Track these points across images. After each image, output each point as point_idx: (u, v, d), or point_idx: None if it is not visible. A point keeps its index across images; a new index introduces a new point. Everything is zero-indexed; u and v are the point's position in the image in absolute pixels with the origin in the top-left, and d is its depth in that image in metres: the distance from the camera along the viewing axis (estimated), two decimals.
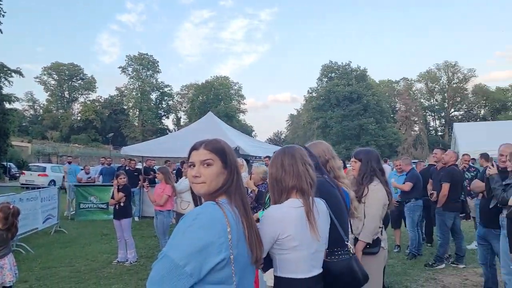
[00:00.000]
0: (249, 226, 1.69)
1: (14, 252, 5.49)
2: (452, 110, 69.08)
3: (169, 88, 70.15)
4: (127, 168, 12.34)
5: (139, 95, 66.66)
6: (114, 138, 54.82)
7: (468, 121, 54.08)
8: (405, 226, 8.07)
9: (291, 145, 2.36)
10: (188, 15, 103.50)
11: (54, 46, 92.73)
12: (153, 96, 69.63)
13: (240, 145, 11.10)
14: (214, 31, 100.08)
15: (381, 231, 3.68)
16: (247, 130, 58.75)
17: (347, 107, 56.72)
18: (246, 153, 11.29)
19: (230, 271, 1.56)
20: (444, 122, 68.70)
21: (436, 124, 72.26)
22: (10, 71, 29.79)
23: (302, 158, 2.17)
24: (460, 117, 67.28)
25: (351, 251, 2.37)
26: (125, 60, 67.81)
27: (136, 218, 11.98)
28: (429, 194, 7.45)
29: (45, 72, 67.77)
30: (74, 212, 12.50)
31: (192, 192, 1.80)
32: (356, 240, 3.53)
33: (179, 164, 12.66)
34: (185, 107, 72.18)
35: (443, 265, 6.85)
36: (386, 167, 10.16)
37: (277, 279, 2.08)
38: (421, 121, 65.14)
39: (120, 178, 7.22)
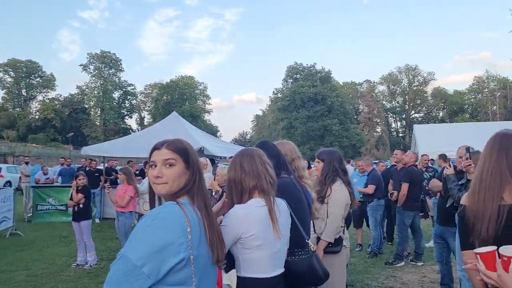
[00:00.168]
0: (210, 226, 1.68)
1: None
2: (413, 112, 71.31)
3: (132, 87, 68.86)
4: (87, 168, 12.06)
5: (101, 94, 65.04)
6: (74, 137, 53.28)
7: (427, 123, 55.98)
8: (367, 225, 8.25)
9: (248, 147, 2.39)
10: (153, 13, 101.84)
11: (10, 42, 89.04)
12: (116, 95, 68.10)
13: (205, 146, 11.03)
14: (179, 30, 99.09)
15: (343, 230, 3.75)
16: (212, 131, 58.47)
17: (311, 108, 57.47)
18: (211, 153, 11.23)
19: (189, 272, 1.54)
20: (405, 124, 70.78)
21: (397, 126, 74.39)
22: None
23: (260, 158, 2.20)
24: (420, 119, 69.55)
25: (312, 249, 2.40)
26: (87, 57, 66.00)
27: (97, 220, 11.73)
28: (389, 194, 7.65)
29: (1, 69, 64.94)
30: (31, 214, 12.05)
31: (150, 193, 1.76)
32: (318, 239, 3.56)
33: (142, 164, 12.48)
34: (149, 107, 71.02)
35: (403, 263, 7.05)
36: (349, 168, 10.34)
37: (240, 279, 2.09)
38: (383, 123, 66.87)
39: (79, 179, 7.02)
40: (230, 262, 2.10)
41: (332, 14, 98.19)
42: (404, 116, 71.48)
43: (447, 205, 4.60)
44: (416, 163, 7.83)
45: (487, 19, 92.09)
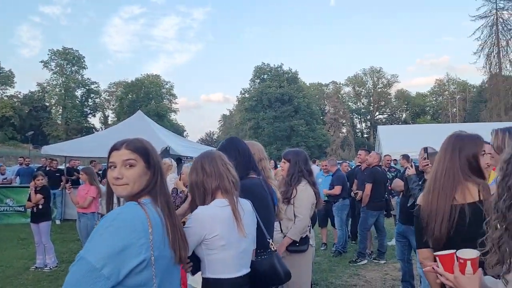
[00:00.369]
0: (172, 227, 1.66)
1: None
2: (377, 113, 72.95)
3: (96, 85, 67.02)
4: (48, 168, 11.72)
5: (63, 91, 63.01)
6: (34, 136, 51.48)
7: (391, 124, 57.44)
8: (332, 224, 8.37)
9: (209, 150, 2.41)
10: (117, 10, 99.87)
11: None
12: (79, 93, 66.11)
13: (171, 145, 10.92)
14: (144, 28, 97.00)
15: (309, 229, 3.79)
16: (178, 130, 57.82)
17: (278, 109, 57.80)
18: (177, 153, 11.12)
19: (150, 273, 1.52)
20: (369, 125, 72.27)
21: (362, 127, 75.89)
22: None
23: (221, 160, 2.21)
24: (384, 120, 71.24)
25: (273, 248, 2.42)
26: (48, 54, 63.60)
27: (58, 221, 11.43)
28: (354, 194, 7.79)
29: None
30: None
31: (108, 195, 1.71)
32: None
33: (105, 164, 12.15)
34: (113, 105, 69.40)
35: (366, 261, 7.19)
36: (315, 168, 10.48)
37: (205, 280, 2.09)
38: (349, 124, 68.13)
39: (38, 180, 6.81)
40: (196, 264, 2.11)
41: (299, 15, 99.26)
42: (368, 117, 73.04)
43: (408, 205, 4.72)
44: (380, 163, 8.01)
45: (447, 24, 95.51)
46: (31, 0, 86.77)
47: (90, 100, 67.92)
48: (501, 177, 1.44)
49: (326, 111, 69.72)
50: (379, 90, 71.37)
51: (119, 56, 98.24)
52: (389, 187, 8.11)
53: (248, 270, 2.16)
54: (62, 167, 12.89)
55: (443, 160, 2.14)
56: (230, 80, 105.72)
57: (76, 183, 10.43)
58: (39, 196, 6.74)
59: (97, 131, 57.91)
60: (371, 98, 71.85)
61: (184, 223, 2.10)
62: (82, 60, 64.84)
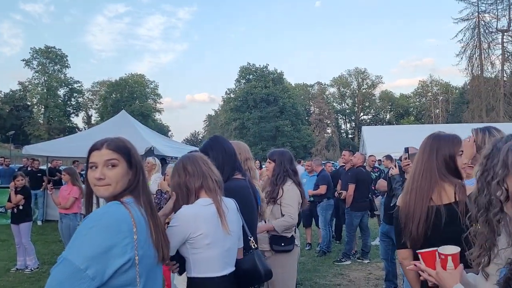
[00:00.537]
0: (155, 226, 1.65)
1: None
2: (362, 114, 73.59)
3: (79, 85, 66.08)
4: (29, 168, 11.51)
5: (45, 90, 61.99)
6: (16, 136, 50.52)
7: (375, 125, 58.01)
8: (316, 224, 8.40)
9: (189, 153, 2.42)
10: (101, 8, 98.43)
11: None
12: (61, 92, 65.10)
13: (155, 146, 10.84)
14: (129, 27, 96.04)
15: (295, 229, 3.80)
16: (163, 130, 57.46)
17: (264, 109, 57.89)
18: (161, 153, 11.03)
19: (134, 273, 1.50)
20: (354, 125, 72.88)
21: (347, 127, 76.47)
22: None
23: (203, 160, 2.23)
24: (368, 120, 71.90)
25: (253, 246, 2.43)
26: (30, 52, 62.53)
27: (39, 222, 11.24)
28: (338, 194, 7.84)
29: None
30: None
31: (87, 196, 1.68)
32: (270, 238, 3.60)
33: None
34: (96, 105, 68.60)
35: (350, 261, 7.24)
36: (300, 168, 10.52)
37: (190, 280, 2.09)
38: (334, 124, 68.56)
39: (17, 180, 6.68)
40: (183, 264, 2.11)
41: (285, 16, 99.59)
42: (353, 118, 73.62)
43: (391, 204, 4.76)
44: (364, 164, 8.07)
45: (430, 26, 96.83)
46: None
47: (73, 99, 66.99)
48: (481, 172, 1.48)
49: (311, 111, 70.04)
50: (363, 91, 72.01)
51: (103, 55, 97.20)
52: (373, 187, 8.19)
53: (233, 268, 2.17)
54: (44, 167, 12.70)
55: (421, 160, 2.18)
56: (215, 80, 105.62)
57: (58, 184, 10.29)
58: (19, 197, 6.63)
59: (80, 131, 57.12)
60: (356, 99, 72.45)
61: (167, 223, 2.10)
62: (65, 59, 63.92)
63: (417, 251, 1.75)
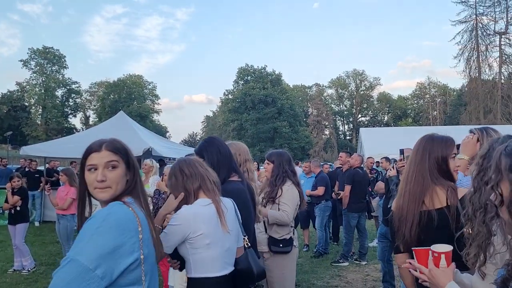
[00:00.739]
0: (153, 225, 1.69)
1: None
2: (359, 115, 73.64)
3: (77, 85, 65.95)
4: (27, 169, 11.48)
5: (43, 91, 61.85)
6: (13, 137, 50.44)
7: (373, 127, 58.08)
8: (313, 226, 8.41)
9: (184, 157, 2.44)
10: (99, 9, 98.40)
11: None
12: (59, 92, 64.95)
13: (153, 147, 10.85)
14: (127, 28, 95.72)
15: (293, 230, 3.80)
16: (161, 131, 57.41)
17: (262, 110, 57.88)
18: (159, 154, 11.04)
19: (140, 272, 1.52)
20: (352, 127, 72.93)
21: (345, 129, 76.50)
22: None
23: (199, 162, 2.26)
24: (366, 122, 71.94)
25: (246, 245, 2.44)
26: (28, 53, 62.37)
27: (37, 223, 11.22)
28: (335, 194, 7.85)
29: None
30: None
31: (82, 198, 1.66)
32: (269, 240, 3.61)
33: None
34: (94, 106, 68.49)
35: (347, 263, 7.25)
36: (298, 169, 10.51)
37: (190, 280, 2.11)
38: (331, 126, 68.58)
39: (13, 181, 6.66)
40: (183, 262, 2.16)
41: (283, 17, 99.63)
42: (351, 119, 73.69)
43: (388, 206, 4.77)
44: (362, 165, 8.09)
45: (428, 28, 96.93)
46: None
47: (71, 100, 66.87)
48: (477, 172, 1.48)
49: (309, 113, 70.07)
50: (361, 92, 72.10)
51: (101, 56, 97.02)
52: (369, 189, 8.20)
53: (233, 268, 2.19)
54: (41, 168, 12.65)
55: (413, 162, 2.18)
56: (213, 81, 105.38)
57: (55, 185, 10.25)
58: (16, 198, 6.62)
59: (78, 131, 57.02)
60: (354, 101, 72.53)
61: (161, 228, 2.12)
62: (63, 60, 63.84)
63: (412, 248, 1.77)
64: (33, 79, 62.53)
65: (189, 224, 2.02)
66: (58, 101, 63.93)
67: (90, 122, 65.24)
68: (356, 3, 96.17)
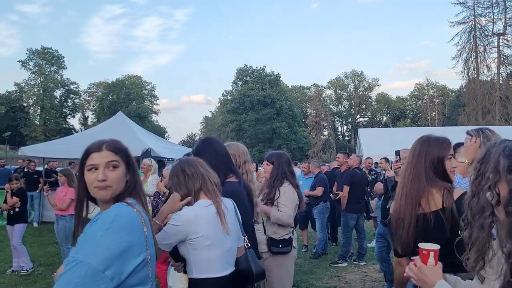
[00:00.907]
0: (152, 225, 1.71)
1: None
2: (358, 116, 73.68)
3: (75, 86, 65.92)
4: (25, 170, 11.45)
5: (42, 92, 61.78)
6: (12, 137, 50.32)
7: (372, 127, 58.09)
8: (312, 226, 8.42)
9: (185, 157, 2.47)
10: (98, 10, 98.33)
11: None
12: (58, 93, 64.84)
13: (152, 147, 10.84)
14: (126, 28, 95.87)
15: (292, 231, 3.81)
16: (160, 132, 57.36)
17: (260, 111, 57.89)
18: (158, 155, 11.02)
19: (147, 272, 1.53)
20: (350, 128, 72.95)
21: (343, 129, 76.52)
22: None
23: (200, 163, 2.26)
24: (365, 123, 71.94)
25: (246, 246, 2.44)
26: (26, 53, 62.40)
27: (35, 224, 11.19)
28: (333, 195, 7.85)
29: None
30: None
31: (80, 199, 1.66)
32: (268, 241, 3.61)
33: None
34: (93, 106, 68.43)
35: (346, 263, 7.25)
36: (297, 170, 10.52)
37: (192, 281, 2.12)
38: (330, 126, 68.58)
39: (12, 183, 6.66)
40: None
41: (281, 18, 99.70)
42: (350, 120, 73.73)
43: (387, 206, 4.78)
44: (361, 166, 8.10)
45: (427, 29, 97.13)
46: None
47: (69, 100, 66.77)
48: (475, 177, 1.49)
49: (308, 113, 70.07)
50: (360, 93, 72.15)
51: (100, 57, 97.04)
52: (368, 190, 8.21)
53: (233, 268, 2.20)
54: (40, 168, 12.63)
55: (410, 164, 2.18)
56: (212, 82, 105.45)
57: (54, 185, 10.23)
58: (15, 199, 6.61)
59: (77, 132, 57.01)
60: (352, 101, 72.56)
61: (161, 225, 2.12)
62: (62, 60, 63.79)
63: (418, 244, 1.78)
64: (31, 80, 62.49)
65: (190, 226, 2.04)
66: (56, 102, 63.87)
67: (89, 123, 65.21)
68: (354, 4, 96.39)
